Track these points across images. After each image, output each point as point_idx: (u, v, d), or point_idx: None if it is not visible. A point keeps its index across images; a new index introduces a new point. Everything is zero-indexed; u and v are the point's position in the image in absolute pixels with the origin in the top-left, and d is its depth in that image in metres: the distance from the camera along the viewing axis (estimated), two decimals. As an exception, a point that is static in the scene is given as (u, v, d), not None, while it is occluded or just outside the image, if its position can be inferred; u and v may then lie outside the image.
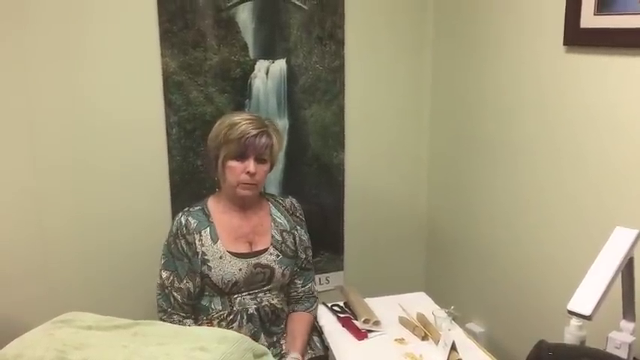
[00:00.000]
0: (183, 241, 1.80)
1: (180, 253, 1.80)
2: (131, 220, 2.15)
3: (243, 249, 1.83)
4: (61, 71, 1.97)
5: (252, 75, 2.21)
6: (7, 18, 1.87)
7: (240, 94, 2.21)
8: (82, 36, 1.97)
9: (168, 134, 2.14)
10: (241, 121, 1.77)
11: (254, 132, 1.75)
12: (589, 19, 1.62)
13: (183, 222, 1.82)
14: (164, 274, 1.80)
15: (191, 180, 2.18)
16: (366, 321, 1.82)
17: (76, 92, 2.00)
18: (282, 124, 2.29)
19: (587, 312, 1.26)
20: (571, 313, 1.29)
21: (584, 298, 1.29)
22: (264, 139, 1.77)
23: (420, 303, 1.98)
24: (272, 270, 1.84)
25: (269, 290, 1.86)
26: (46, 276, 2.08)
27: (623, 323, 1.44)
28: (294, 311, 1.95)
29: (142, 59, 2.06)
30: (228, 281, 1.79)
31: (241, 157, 1.77)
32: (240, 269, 1.80)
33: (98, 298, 2.13)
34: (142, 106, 2.10)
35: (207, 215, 1.84)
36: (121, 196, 2.13)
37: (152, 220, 2.10)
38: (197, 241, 1.79)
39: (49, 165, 2.02)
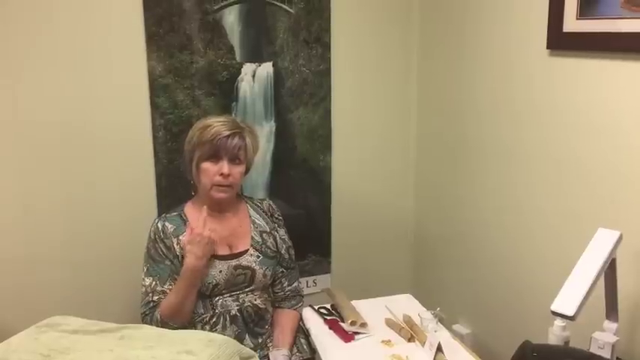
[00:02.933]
0: (162, 245, 1.79)
1: (161, 256, 1.79)
2: (117, 223, 2.14)
3: (223, 251, 1.83)
4: (46, 74, 1.96)
5: (239, 78, 2.21)
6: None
7: (226, 97, 2.21)
8: (68, 40, 1.97)
9: (155, 137, 2.14)
10: (214, 123, 1.78)
11: (226, 133, 1.76)
12: (572, 23, 1.64)
13: (160, 227, 1.81)
14: (147, 281, 1.78)
15: (177, 183, 2.17)
16: (352, 323, 1.82)
17: (61, 95, 1.99)
18: (269, 127, 2.29)
19: (570, 312, 1.27)
20: (555, 313, 1.31)
21: (568, 299, 1.30)
22: (236, 140, 1.77)
23: (406, 305, 1.99)
24: (253, 271, 1.84)
25: (251, 291, 1.86)
26: (31, 280, 2.07)
27: (606, 324, 1.46)
28: (279, 308, 1.96)
29: (127, 62, 2.06)
30: (209, 283, 1.78)
31: (214, 158, 1.77)
32: (220, 271, 1.80)
33: (84, 302, 2.12)
34: (128, 108, 2.09)
35: (185, 220, 1.84)
36: (106, 199, 2.12)
37: (138, 223, 2.08)
38: (175, 245, 1.79)
39: (33, 167, 2.01)
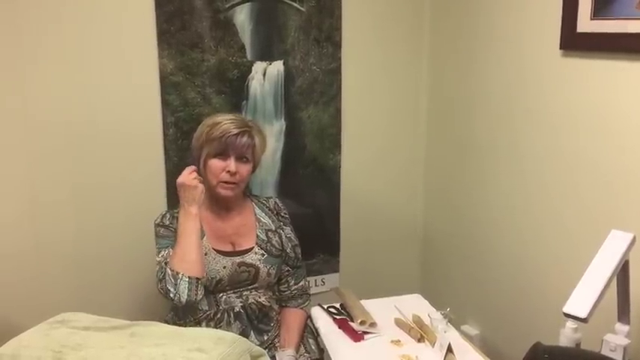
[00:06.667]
0: (170, 226, 1.80)
1: (171, 232, 1.79)
2: (126, 220, 2.15)
3: (226, 248, 1.84)
4: (57, 71, 1.97)
5: (250, 76, 2.21)
6: (1, 19, 1.87)
7: (237, 95, 2.21)
8: (79, 36, 1.97)
9: (165, 135, 2.14)
10: (223, 121, 1.79)
11: (235, 131, 1.77)
12: (585, 23, 1.63)
13: (169, 216, 1.84)
14: (160, 255, 1.75)
15: (187, 181, 2.18)
16: (362, 323, 1.82)
17: (72, 92, 2.00)
18: (279, 125, 2.29)
19: (583, 314, 1.27)
20: (567, 315, 1.30)
21: (581, 301, 1.29)
22: (244, 139, 1.78)
23: (415, 305, 1.98)
24: (257, 269, 1.85)
25: (255, 289, 1.87)
26: (40, 276, 2.08)
27: (618, 326, 1.45)
28: (286, 307, 1.96)
29: (139, 60, 2.06)
30: (212, 278, 1.79)
31: (222, 155, 1.78)
32: (224, 267, 1.80)
33: (91, 299, 2.13)
34: (139, 106, 2.10)
35: None
36: (117, 197, 2.13)
37: (148, 221, 2.08)
38: None
39: (43, 165, 2.02)
